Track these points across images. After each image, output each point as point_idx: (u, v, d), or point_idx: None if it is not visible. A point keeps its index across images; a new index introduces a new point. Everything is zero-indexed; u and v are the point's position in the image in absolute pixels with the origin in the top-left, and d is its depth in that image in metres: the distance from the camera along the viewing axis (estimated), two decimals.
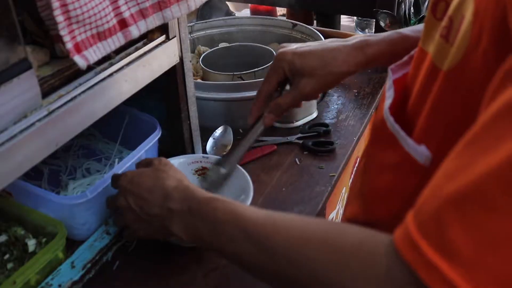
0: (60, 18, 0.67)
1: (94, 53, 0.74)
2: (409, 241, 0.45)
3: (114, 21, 0.76)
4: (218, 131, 1.21)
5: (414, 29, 0.90)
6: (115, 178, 0.86)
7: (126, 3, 0.78)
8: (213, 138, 1.20)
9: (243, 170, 1.00)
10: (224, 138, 1.20)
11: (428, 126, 0.57)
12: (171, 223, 0.75)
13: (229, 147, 1.18)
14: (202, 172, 1.06)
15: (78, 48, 0.71)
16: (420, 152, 0.57)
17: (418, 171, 0.57)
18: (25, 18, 0.77)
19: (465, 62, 0.49)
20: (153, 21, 0.83)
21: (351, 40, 0.92)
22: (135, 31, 0.80)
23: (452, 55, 0.51)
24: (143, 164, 0.88)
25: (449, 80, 0.52)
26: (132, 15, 0.79)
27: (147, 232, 0.82)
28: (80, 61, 0.70)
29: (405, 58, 0.69)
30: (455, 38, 0.51)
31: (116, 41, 0.77)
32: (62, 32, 0.67)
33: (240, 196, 0.97)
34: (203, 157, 1.06)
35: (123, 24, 0.78)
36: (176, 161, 1.04)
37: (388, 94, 0.64)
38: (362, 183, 0.74)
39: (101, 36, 0.74)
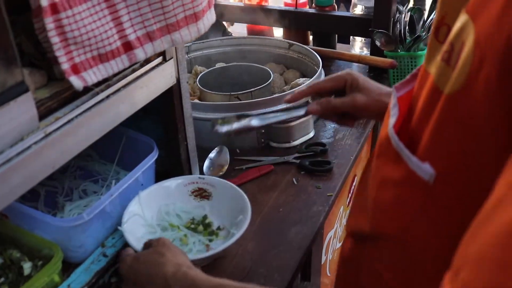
0: (55, 39, 0.67)
1: (94, 75, 0.74)
2: None
3: (118, 43, 0.76)
4: (214, 152, 1.21)
5: None
6: (120, 261, 0.84)
7: (132, 26, 0.77)
8: (209, 159, 1.20)
9: (240, 191, 1.00)
10: (220, 158, 1.20)
11: (431, 145, 0.57)
12: None
13: (225, 167, 1.18)
14: (198, 193, 1.06)
15: (76, 69, 0.71)
16: (424, 169, 0.57)
17: (423, 187, 0.58)
18: (23, 40, 0.77)
19: (467, 88, 0.50)
20: (161, 44, 0.82)
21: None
22: (141, 54, 0.79)
23: (453, 79, 0.52)
24: (145, 244, 0.86)
25: (451, 104, 0.54)
26: (138, 38, 0.79)
27: None
28: (76, 82, 0.70)
29: (408, 76, 0.70)
30: (456, 63, 0.52)
31: (120, 63, 0.77)
32: (57, 53, 0.67)
33: (238, 217, 0.96)
34: (199, 178, 1.06)
35: (128, 46, 0.77)
36: (173, 183, 1.04)
37: (393, 112, 0.66)
38: (367, 195, 0.74)
39: (102, 58, 0.74)
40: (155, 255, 0.80)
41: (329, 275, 1.32)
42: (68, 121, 0.75)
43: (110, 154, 1.11)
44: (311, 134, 1.33)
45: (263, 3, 1.88)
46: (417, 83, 0.66)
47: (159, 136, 1.06)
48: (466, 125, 0.52)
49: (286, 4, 1.86)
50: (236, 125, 0.97)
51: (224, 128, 0.97)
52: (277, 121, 1.01)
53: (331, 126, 1.38)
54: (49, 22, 0.65)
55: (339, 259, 0.90)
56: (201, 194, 1.06)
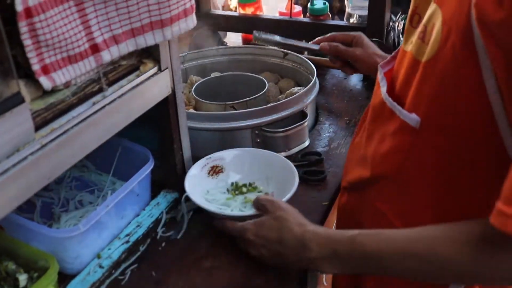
0: (28, 42, 0.68)
1: (62, 75, 0.75)
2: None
3: (86, 45, 0.78)
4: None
5: None
6: (238, 230, 0.93)
7: (99, 28, 0.79)
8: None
9: (244, 149, 1.19)
10: None
11: (415, 100, 0.79)
12: (317, 267, 0.83)
13: None
14: (214, 171, 1.13)
15: (46, 70, 0.72)
16: (411, 118, 0.79)
17: (412, 132, 0.79)
18: (18, 52, 0.77)
19: (438, 54, 0.72)
20: (126, 47, 0.84)
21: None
22: (106, 56, 0.81)
23: (428, 50, 0.74)
24: (256, 205, 0.96)
25: (427, 68, 0.75)
26: (104, 40, 0.81)
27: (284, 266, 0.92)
28: (45, 82, 0.72)
29: (389, 57, 0.94)
30: (429, 39, 0.74)
31: (87, 64, 0.79)
32: (29, 55, 0.69)
33: (259, 172, 1.11)
34: (206, 159, 1.13)
35: (95, 48, 0.79)
36: (191, 173, 1.09)
37: (382, 83, 0.88)
38: (365, 150, 0.94)
39: (71, 59, 0.76)
40: (279, 220, 0.88)
41: (325, 284, 1.32)
42: (64, 132, 0.75)
43: (106, 164, 1.11)
44: (307, 143, 1.34)
45: (258, 13, 1.89)
46: (397, 61, 0.88)
47: (154, 146, 1.07)
48: (439, 79, 0.73)
49: (280, 14, 1.87)
50: (265, 36, 1.48)
51: (261, 34, 1.48)
52: (297, 45, 1.47)
53: (326, 135, 1.39)
54: (23, 26, 0.66)
55: (338, 214, 1.13)
56: (216, 170, 1.14)
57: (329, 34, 1.40)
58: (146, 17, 0.85)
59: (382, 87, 0.88)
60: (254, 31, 1.47)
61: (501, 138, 0.70)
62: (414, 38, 0.80)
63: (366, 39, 1.35)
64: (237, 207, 1.04)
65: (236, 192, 1.09)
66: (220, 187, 1.12)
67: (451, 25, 0.69)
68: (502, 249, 0.65)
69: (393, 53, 0.94)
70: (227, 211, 1.01)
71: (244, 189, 1.10)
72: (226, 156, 1.16)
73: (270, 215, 0.91)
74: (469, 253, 0.69)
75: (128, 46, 0.85)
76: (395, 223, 0.89)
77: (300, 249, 0.84)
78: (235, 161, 1.16)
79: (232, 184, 1.12)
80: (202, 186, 1.09)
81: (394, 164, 0.87)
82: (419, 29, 0.78)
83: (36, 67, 0.70)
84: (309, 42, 1.45)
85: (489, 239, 0.66)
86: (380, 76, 0.90)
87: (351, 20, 1.81)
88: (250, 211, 0.99)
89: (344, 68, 1.42)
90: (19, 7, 0.64)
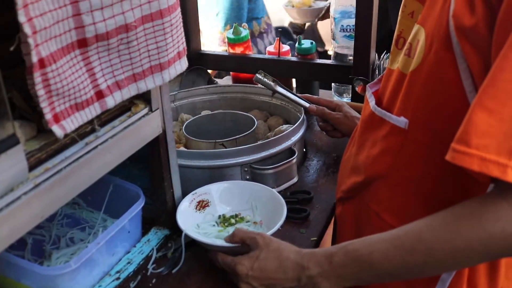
0: (41, 92, 0.71)
1: (71, 123, 0.77)
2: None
3: (92, 92, 0.81)
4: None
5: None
6: (228, 264, 0.94)
7: (103, 75, 0.83)
8: None
9: (229, 182, 1.22)
10: None
11: (403, 106, 0.90)
12: (316, 285, 0.85)
13: None
14: (201, 205, 1.15)
15: (57, 119, 0.75)
16: (401, 121, 0.90)
17: (401, 133, 0.90)
18: (14, 94, 0.80)
19: (423, 63, 0.84)
20: (128, 92, 0.88)
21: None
22: (110, 101, 0.84)
23: (414, 61, 0.86)
24: (241, 240, 0.96)
25: (413, 76, 0.87)
26: (108, 86, 0.84)
27: None
28: (58, 130, 0.74)
29: (376, 80, 1.07)
30: (415, 54, 0.86)
31: (93, 110, 0.82)
32: (42, 104, 0.71)
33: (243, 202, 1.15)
34: (192, 194, 1.16)
35: (100, 95, 0.83)
36: (181, 209, 1.10)
37: (371, 99, 1.00)
38: (356, 159, 1.03)
39: (78, 106, 0.79)
40: (272, 251, 0.91)
41: None
42: (57, 172, 0.78)
43: (98, 202, 1.13)
44: (295, 180, 1.36)
45: (247, 52, 1.94)
46: (383, 80, 1.01)
47: (145, 184, 1.09)
48: (424, 83, 0.84)
49: (269, 53, 1.92)
50: (267, 80, 1.49)
51: (261, 76, 1.49)
52: (289, 97, 1.50)
53: (313, 171, 1.42)
54: (37, 76, 0.69)
55: (334, 226, 1.20)
56: (202, 205, 1.16)
57: (315, 97, 1.51)
58: (147, 62, 0.88)
59: (370, 102, 1.00)
60: (257, 74, 1.50)
61: None
62: (400, 57, 0.93)
63: (346, 106, 1.45)
64: None
65: (226, 224, 1.12)
66: (208, 220, 1.14)
67: (433, 36, 0.81)
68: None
69: (379, 76, 1.06)
70: (225, 243, 1.01)
71: (233, 221, 1.13)
72: (212, 189, 1.19)
73: (264, 247, 0.92)
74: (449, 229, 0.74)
75: (130, 91, 0.88)
76: (391, 223, 0.94)
77: (300, 270, 0.86)
78: (221, 194, 1.19)
79: (219, 217, 1.15)
80: (192, 221, 1.11)
81: (385, 164, 0.95)
82: (406, 46, 0.91)
83: (48, 116, 0.72)
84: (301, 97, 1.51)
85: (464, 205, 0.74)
86: (368, 94, 1.02)
87: (338, 59, 1.86)
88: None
89: (332, 133, 1.47)
90: (34, 58, 0.67)
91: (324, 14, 2.69)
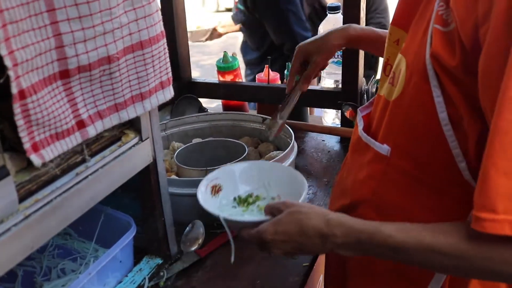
0: (20, 122, 0.71)
1: (51, 152, 0.78)
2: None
3: (73, 122, 0.82)
4: (188, 227, 1.22)
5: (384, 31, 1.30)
6: (254, 236, 0.93)
7: (85, 105, 0.84)
8: (184, 235, 1.21)
9: (237, 164, 1.23)
10: (193, 233, 1.21)
11: (386, 133, 0.93)
12: (339, 250, 0.86)
13: (201, 240, 1.19)
14: (215, 190, 1.15)
15: (36, 148, 0.75)
16: (383, 148, 0.92)
17: (383, 159, 0.92)
18: (5, 126, 0.81)
19: (403, 93, 0.87)
20: (110, 121, 0.89)
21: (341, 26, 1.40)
22: (92, 131, 0.85)
23: (395, 92, 0.89)
24: (269, 211, 0.96)
25: (395, 105, 0.90)
26: (90, 116, 0.85)
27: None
28: (35, 159, 0.74)
29: (367, 103, 1.10)
30: (397, 82, 0.89)
31: (74, 140, 0.82)
32: (21, 134, 0.72)
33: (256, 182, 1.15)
34: (206, 180, 1.15)
35: (81, 124, 0.83)
36: (202, 197, 1.09)
37: (360, 123, 1.03)
38: (345, 182, 1.06)
39: (59, 136, 0.79)
40: (294, 214, 0.90)
41: None
42: (48, 203, 0.78)
43: (89, 232, 1.12)
44: None
45: (237, 80, 1.96)
46: (374, 105, 1.03)
47: (137, 213, 1.09)
48: (405, 113, 0.87)
49: (259, 80, 1.94)
50: (275, 129, 1.45)
51: (273, 133, 1.45)
52: (292, 108, 1.45)
53: (305, 196, 1.42)
54: (17, 107, 0.70)
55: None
56: (216, 190, 1.15)
57: (289, 77, 1.44)
58: (128, 92, 0.90)
59: (359, 126, 1.02)
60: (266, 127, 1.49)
61: (456, 163, 0.82)
62: (386, 83, 0.96)
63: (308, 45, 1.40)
64: (258, 215, 1.06)
65: (246, 204, 1.11)
66: (226, 204, 1.13)
67: (413, 67, 0.84)
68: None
69: (370, 100, 1.10)
70: (263, 217, 0.99)
71: (250, 200, 1.12)
72: (220, 174, 1.18)
73: (286, 212, 0.92)
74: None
75: (112, 120, 0.89)
76: None
77: (323, 236, 0.86)
78: (231, 177, 1.18)
79: (234, 199, 1.13)
80: (213, 207, 1.09)
81: (369, 189, 0.97)
82: (390, 75, 0.94)
83: (27, 145, 0.73)
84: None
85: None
86: (358, 117, 1.05)
87: (326, 84, 1.88)
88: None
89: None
90: (14, 89, 0.68)
91: None
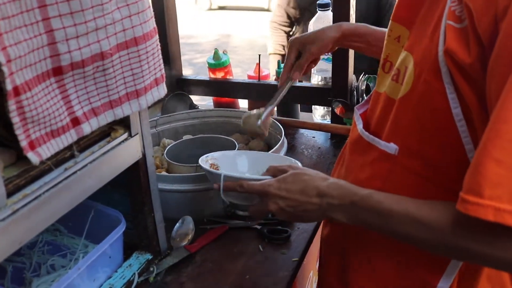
0: (16, 119, 0.71)
1: (47, 149, 0.78)
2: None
3: (68, 119, 0.82)
4: (178, 223, 1.23)
5: (378, 27, 1.32)
6: (258, 189, 0.98)
7: (79, 102, 0.84)
8: (174, 231, 1.21)
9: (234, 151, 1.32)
10: (183, 228, 1.22)
11: (392, 132, 0.90)
12: (333, 213, 0.90)
13: (190, 236, 1.20)
14: (214, 167, 1.23)
15: (32, 145, 0.76)
16: (390, 147, 0.90)
17: (390, 158, 0.90)
18: None
19: (412, 91, 0.85)
20: (105, 118, 0.89)
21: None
22: (87, 128, 0.86)
23: (403, 88, 0.87)
24: (273, 172, 1.02)
25: (402, 103, 0.88)
26: (84, 113, 0.85)
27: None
28: (33, 157, 0.75)
29: (363, 101, 1.07)
30: (403, 79, 0.87)
31: (69, 137, 0.83)
32: (17, 132, 0.72)
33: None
34: (206, 156, 1.23)
35: (76, 122, 0.84)
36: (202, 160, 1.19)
37: (358, 122, 1.00)
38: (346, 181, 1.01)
39: (54, 133, 0.79)
40: (299, 175, 0.96)
41: None
42: (36, 198, 0.78)
43: (79, 228, 1.12)
44: None
45: (228, 77, 1.97)
46: (371, 102, 1.01)
47: (126, 209, 1.09)
48: (414, 111, 0.85)
49: (249, 77, 1.94)
50: (264, 116, 1.36)
51: (259, 122, 1.36)
52: (278, 102, 1.38)
53: None
54: (12, 104, 0.70)
55: (321, 245, 1.16)
56: (214, 167, 1.23)
57: (284, 69, 1.38)
58: (123, 89, 0.90)
59: (358, 125, 1.00)
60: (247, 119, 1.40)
61: (468, 161, 0.78)
62: (388, 81, 0.93)
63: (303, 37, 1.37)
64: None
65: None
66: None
67: (422, 65, 0.82)
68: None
69: (367, 98, 1.08)
70: (261, 176, 1.05)
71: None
72: (219, 156, 1.26)
73: (291, 172, 0.98)
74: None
75: (107, 118, 0.89)
76: (381, 241, 0.94)
77: (320, 196, 0.90)
78: (227, 161, 1.26)
79: None
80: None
81: (373, 189, 0.93)
82: (392, 72, 0.92)
83: (23, 143, 0.73)
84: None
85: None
86: (356, 116, 1.03)
87: (316, 82, 1.89)
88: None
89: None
90: (8, 86, 0.68)
91: None
